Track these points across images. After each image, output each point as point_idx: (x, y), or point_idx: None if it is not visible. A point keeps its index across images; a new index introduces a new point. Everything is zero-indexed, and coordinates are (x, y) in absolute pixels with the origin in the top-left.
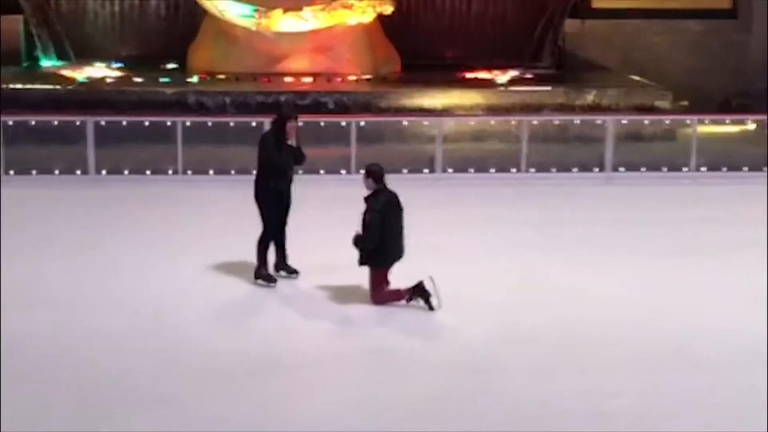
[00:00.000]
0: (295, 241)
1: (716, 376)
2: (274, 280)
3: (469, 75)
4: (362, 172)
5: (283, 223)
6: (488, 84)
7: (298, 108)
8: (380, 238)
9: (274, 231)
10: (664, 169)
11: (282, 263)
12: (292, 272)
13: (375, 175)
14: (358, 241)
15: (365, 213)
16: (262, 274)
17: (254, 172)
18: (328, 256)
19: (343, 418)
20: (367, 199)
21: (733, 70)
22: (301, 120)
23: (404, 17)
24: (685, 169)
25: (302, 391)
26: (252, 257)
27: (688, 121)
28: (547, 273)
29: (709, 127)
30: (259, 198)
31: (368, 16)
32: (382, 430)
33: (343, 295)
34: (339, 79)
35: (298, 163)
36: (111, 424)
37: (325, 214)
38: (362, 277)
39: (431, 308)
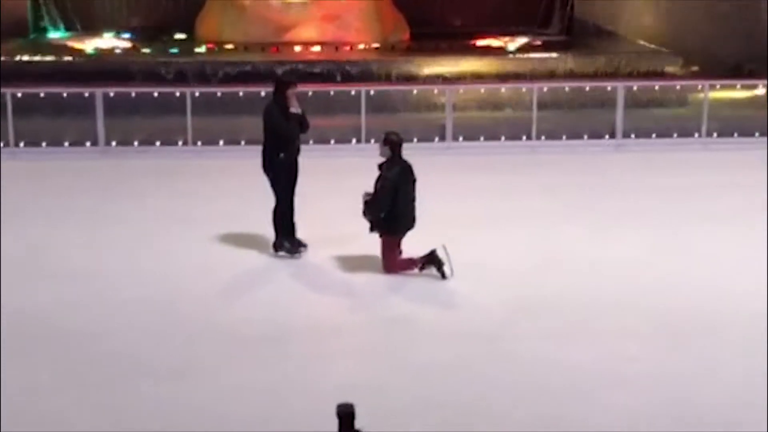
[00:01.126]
0: (306, 212)
1: (732, 341)
2: (298, 251)
3: (478, 42)
4: (374, 141)
5: (293, 194)
6: (498, 51)
7: (296, 74)
8: (393, 207)
9: (287, 201)
10: (675, 135)
11: (292, 236)
12: (299, 245)
13: (393, 144)
14: (367, 209)
15: (378, 180)
16: (283, 246)
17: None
18: (339, 226)
19: (358, 385)
20: (380, 167)
21: (745, 35)
22: (310, 89)
23: None
24: (696, 134)
25: (318, 359)
26: (264, 228)
27: (699, 87)
28: (559, 240)
29: (720, 93)
30: (268, 169)
31: None
32: (396, 396)
33: (355, 264)
34: (347, 48)
35: (303, 131)
36: (134, 394)
37: (336, 184)
38: (374, 246)
39: (444, 276)
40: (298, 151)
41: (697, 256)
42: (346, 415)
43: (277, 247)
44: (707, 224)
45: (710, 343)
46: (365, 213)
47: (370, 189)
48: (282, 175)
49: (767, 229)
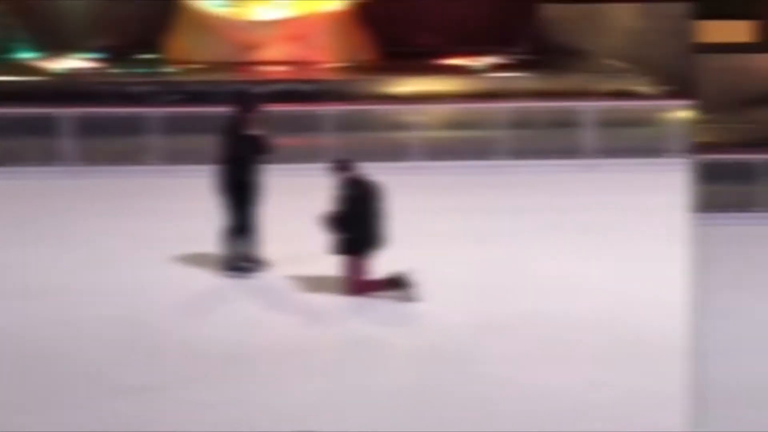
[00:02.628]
0: (270, 232)
1: (698, 364)
2: (246, 270)
3: (446, 61)
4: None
5: (251, 215)
6: (465, 70)
7: (256, 97)
8: (355, 227)
9: (236, 221)
10: (645, 154)
11: (250, 256)
12: (260, 265)
13: (341, 166)
14: (327, 229)
15: (337, 201)
16: (231, 266)
17: None
18: (303, 246)
19: (321, 406)
20: (338, 189)
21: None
22: (276, 108)
23: (381, 4)
24: (665, 154)
25: (281, 380)
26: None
27: (668, 106)
28: (526, 261)
29: (688, 112)
30: (220, 188)
31: (342, 4)
32: (358, 420)
33: (319, 285)
34: (314, 67)
35: (262, 153)
36: (99, 411)
37: (300, 204)
38: (339, 267)
39: (409, 298)
40: (255, 172)
41: (667, 278)
42: None
43: (228, 266)
44: (677, 245)
45: (676, 367)
46: (328, 233)
47: (331, 208)
48: (231, 195)
49: None
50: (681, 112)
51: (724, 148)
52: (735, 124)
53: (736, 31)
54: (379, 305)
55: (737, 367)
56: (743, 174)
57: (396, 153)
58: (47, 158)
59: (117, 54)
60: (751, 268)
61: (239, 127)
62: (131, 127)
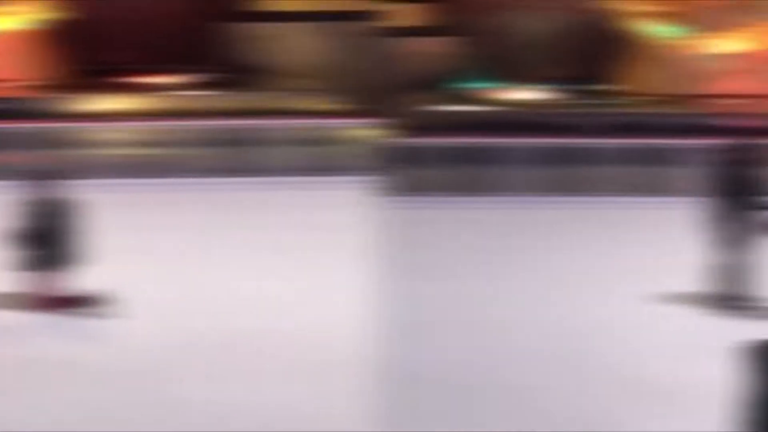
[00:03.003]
0: None
1: (394, 359)
2: None
3: (139, 80)
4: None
5: None
6: (158, 88)
7: None
8: (44, 242)
9: None
10: (331, 172)
11: None
12: None
13: (31, 182)
14: (14, 245)
15: (25, 218)
16: None
17: None
18: None
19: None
20: (28, 205)
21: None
22: None
23: (75, 22)
24: (352, 171)
25: None
26: None
27: (355, 124)
28: (220, 278)
29: (375, 131)
30: None
31: (33, 22)
32: None
33: (4, 301)
34: (3, 85)
35: None
36: None
37: None
38: (27, 283)
39: (101, 315)
40: None
41: (362, 288)
42: None
43: None
44: (367, 256)
45: (380, 368)
46: (16, 249)
47: (20, 224)
48: None
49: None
50: (368, 130)
51: (412, 134)
52: (409, 108)
53: (410, 15)
54: (69, 322)
55: (432, 356)
56: (439, 158)
57: (89, 170)
58: None
59: None
60: (439, 253)
61: None
62: None
